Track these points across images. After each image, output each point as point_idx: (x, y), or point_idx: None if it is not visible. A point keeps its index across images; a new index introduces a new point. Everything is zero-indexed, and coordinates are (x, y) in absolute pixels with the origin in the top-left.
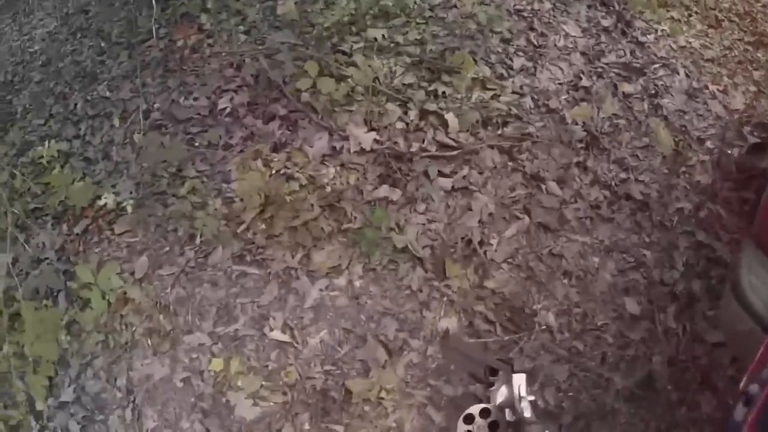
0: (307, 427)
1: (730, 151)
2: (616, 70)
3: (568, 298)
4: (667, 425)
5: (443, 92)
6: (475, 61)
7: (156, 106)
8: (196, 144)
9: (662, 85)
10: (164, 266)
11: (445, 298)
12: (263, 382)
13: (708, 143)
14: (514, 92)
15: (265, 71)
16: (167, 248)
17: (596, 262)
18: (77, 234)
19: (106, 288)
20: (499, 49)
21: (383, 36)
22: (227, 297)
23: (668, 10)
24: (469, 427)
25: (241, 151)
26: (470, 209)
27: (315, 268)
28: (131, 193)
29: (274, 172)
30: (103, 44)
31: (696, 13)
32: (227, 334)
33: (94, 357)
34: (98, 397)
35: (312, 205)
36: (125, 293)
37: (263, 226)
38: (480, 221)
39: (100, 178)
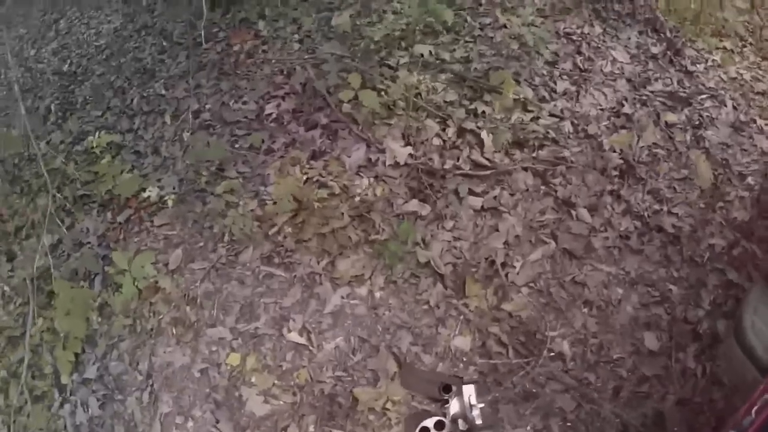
0: (311, 429)
1: None
2: (661, 99)
3: (586, 327)
4: None
5: (483, 111)
6: (518, 82)
7: (207, 106)
8: (238, 146)
9: (707, 116)
10: (196, 260)
11: (461, 317)
12: (276, 381)
13: (749, 179)
14: (553, 115)
15: (312, 80)
16: (201, 243)
17: (619, 294)
18: (120, 222)
19: (138, 275)
20: (544, 72)
21: (430, 52)
22: (252, 295)
23: (721, 40)
24: None
25: (282, 156)
26: (497, 230)
27: (339, 275)
28: (174, 188)
29: (309, 178)
30: (164, 43)
31: (750, 44)
32: (247, 331)
33: (121, 339)
34: (119, 378)
35: (342, 213)
36: (156, 282)
37: (294, 231)
38: (506, 243)
39: (147, 172)
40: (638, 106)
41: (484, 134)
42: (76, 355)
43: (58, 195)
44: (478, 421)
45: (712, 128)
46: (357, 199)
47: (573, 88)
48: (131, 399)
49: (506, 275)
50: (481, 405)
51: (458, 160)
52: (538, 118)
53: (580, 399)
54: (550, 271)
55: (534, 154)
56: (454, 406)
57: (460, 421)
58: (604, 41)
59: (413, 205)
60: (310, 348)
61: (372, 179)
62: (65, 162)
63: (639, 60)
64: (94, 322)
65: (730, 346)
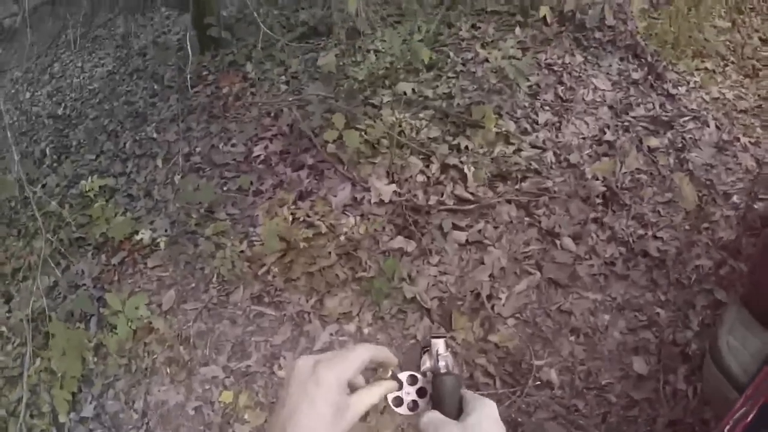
0: None
1: (756, 206)
2: (643, 124)
3: (573, 355)
4: None
5: (466, 146)
6: (500, 115)
7: (197, 149)
8: (227, 188)
9: (690, 138)
10: (189, 301)
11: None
12: (268, 418)
13: (735, 198)
14: (535, 147)
15: (298, 121)
16: (193, 284)
17: (606, 320)
18: (114, 265)
19: (132, 316)
20: (526, 104)
21: (413, 90)
22: (243, 334)
23: (703, 61)
24: (399, 393)
25: (270, 197)
26: (482, 263)
27: (327, 312)
28: (166, 230)
29: (296, 218)
30: (156, 86)
31: (732, 62)
32: (239, 369)
33: (117, 379)
34: (116, 416)
35: (329, 252)
36: (150, 323)
37: (282, 270)
38: (491, 275)
39: (140, 214)
40: (620, 132)
41: (467, 169)
42: (73, 394)
43: (54, 238)
44: (443, 370)
45: (696, 150)
46: (343, 237)
47: (555, 119)
48: None
49: (492, 307)
50: (447, 355)
51: (442, 195)
52: (520, 150)
53: (569, 426)
54: (536, 301)
55: (517, 186)
56: (424, 362)
57: (428, 373)
58: (585, 70)
59: (399, 241)
60: None
61: (358, 218)
62: (60, 205)
63: (620, 86)
64: (90, 362)
65: (708, 365)
